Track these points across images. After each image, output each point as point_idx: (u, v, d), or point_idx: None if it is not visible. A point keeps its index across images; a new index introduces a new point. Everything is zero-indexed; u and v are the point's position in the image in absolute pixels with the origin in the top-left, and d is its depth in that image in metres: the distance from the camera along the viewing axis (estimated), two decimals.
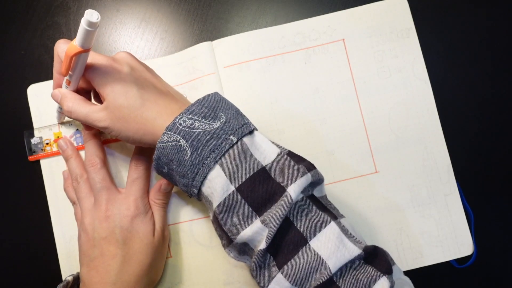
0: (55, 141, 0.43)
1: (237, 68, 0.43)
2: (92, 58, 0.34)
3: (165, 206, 0.40)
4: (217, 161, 0.31)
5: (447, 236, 0.41)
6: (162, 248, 0.39)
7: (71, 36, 0.45)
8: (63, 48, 0.34)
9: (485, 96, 0.44)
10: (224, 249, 0.34)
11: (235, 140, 0.31)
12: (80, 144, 0.42)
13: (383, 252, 0.32)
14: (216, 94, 0.34)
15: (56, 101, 0.37)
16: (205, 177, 0.31)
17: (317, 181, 0.33)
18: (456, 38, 0.44)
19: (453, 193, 0.41)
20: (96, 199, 0.38)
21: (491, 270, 0.43)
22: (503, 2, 0.44)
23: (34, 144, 0.43)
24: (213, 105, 0.33)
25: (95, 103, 0.38)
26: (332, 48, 0.43)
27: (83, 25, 0.30)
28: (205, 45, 0.43)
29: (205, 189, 0.32)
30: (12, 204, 0.44)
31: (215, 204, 0.32)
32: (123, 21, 0.45)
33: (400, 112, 0.42)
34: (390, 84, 0.42)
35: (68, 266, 0.42)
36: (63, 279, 0.39)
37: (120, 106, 0.33)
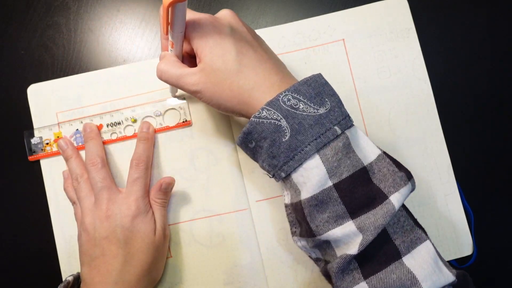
0: (55, 141, 0.43)
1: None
2: (193, 15, 0.32)
3: (166, 205, 0.40)
4: (318, 151, 0.29)
5: (447, 236, 0.41)
6: (163, 247, 0.39)
7: (71, 36, 0.45)
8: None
9: (485, 96, 0.44)
10: (292, 236, 0.33)
11: (339, 131, 0.29)
12: (80, 144, 0.42)
13: (471, 281, 0.31)
14: (321, 76, 0.31)
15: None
16: (300, 164, 0.29)
17: (412, 191, 0.31)
18: (456, 38, 0.44)
19: (453, 193, 0.41)
20: (96, 198, 0.38)
21: (491, 270, 0.43)
22: (503, 2, 0.44)
23: (34, 144, 0.43)
24: (319, 88, 0.30)
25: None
26: (332, 48, 0.43)
27: None
28: None
29: (296, 177, 0.30)
30: (12, 204, 0.44)
31: (306, 195, 0.30)
32: (123, 21, 0.45)
33: (400, 112, 0.42)
34: (390, 84, 0.42)
35: (68, 266, 0.42)
36: (63, 279, 0.39)
37: (217, 70, 0.31)
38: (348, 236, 0.29)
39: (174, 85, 0.34)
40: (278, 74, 0.32)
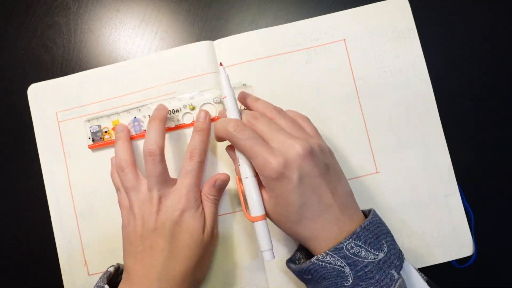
0: (113, 129, 0.42)
1: (238, 68, 0.43)
2: (264, 158, 0.32)
3: (217, 202, 0.39)
4: None
5: (448, 236, 0.41)
6: (210, 247, 0.38)
7: (71, 36, 0.45)
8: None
9: (486, 96, 0.44)
10: None
11: (395, 275, 0.31)
12: (138, 132, 0.42)
13: None
14: (376, 215, 0.33)
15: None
16: None
17: None
18: (457, 38, 0.44)
19: (453, 193, 0.41)
20: (149, 189, 0.37)
21: (491, 270, 0.43)
22: (504, 2, 0.44)
23: (93, 132, 0.42)
24: (377, 231, 0.32)
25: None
26: (333, 48, 0.43)
27: None
28: (206, 44, 0.43)
29: None
30: (12, 204, 0.44)
31: None
32: (123, 21, 0.45)
33: (401, 112, 0.42)
34: (391, 84, 0.42)
35: (68, 266, 0.42)
36: (64, 279, 0.39)
37: (279, 214, 0.33)
38: None
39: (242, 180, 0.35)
40: (337, 223, 0.32)
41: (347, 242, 0.31)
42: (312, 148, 0.32)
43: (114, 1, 0.45)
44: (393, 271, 0.31)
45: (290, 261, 0.36)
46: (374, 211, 0.34)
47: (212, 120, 0.41)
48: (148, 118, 0.41)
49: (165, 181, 0.37)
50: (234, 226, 0.41)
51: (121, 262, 0.38)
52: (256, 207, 0.33)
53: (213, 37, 0.44)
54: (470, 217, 0.41)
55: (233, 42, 0.43)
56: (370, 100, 0.42)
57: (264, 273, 0.41)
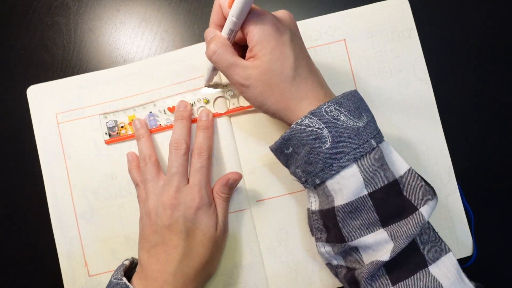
0: (130, 124, 0.42)
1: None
2: (257, 11, 0.32)
3: (229, 200, 0.40)
4: (356, 161, 0.30)
5: (448, 236, 0.41)
6: (222, 243, 0.39)
7: (71, 36, 0.45)
8: None
9: (486, 97, 0.44)
10: (316, 241, 0.35)
11: (375, 144, 0.31)
12: (154, 127, 0.42)
13: None
14: (357, 92, 0.33)
15: (206, 40, 0.35)
16: (337, 172, 0.31)
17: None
18: (457, 38, 0.44)
19: (453, 193, 0.42)
20: (166, 183, 0.37)
21: (491, 270, 0.43)
22: (504, 3, 0.44)
23: (110, 127, 0.42)
24: (358, 103, 0.32)
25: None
26: (333, 48, 0.43)
27: None
28: (205, 45, 0.43)
29: (332, 184, 0.31)
30: (12, 204, 0.44)
31: (340, 201, 0.31)
32: (123, 21, 0.45)
33: (401, 112, 0.42)
34: (391, 84, 0.42)
35: (69, 267, 0.42)
36: (64, 279, 0.39)
37: (272, 72, 0.32)
38: (379, 243, 0.30)
39: (222, 71, 0.34)
40: (323, 88, 0.33)
41: (326, 105, 0.31)
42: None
43: (114, 1, 0.45)
44: (372, 140, 0.31)
45: (276, 150, 0.34)
46: (357, 90, 0.33)
47: (214, 116, 0.42)
48: (163, 113, 0.42)
49: (183, 175, 0.38)
50: (234, 227, 0.41)
51: (121, 262, 0.38)
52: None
53: None
54: (470, 217, 0.41)
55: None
56: (370, 100, 0.42)
57: (264, 273, 0.41)
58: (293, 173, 0.34)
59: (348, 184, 0.31)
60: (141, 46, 0.45)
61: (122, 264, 0.37)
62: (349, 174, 0.31)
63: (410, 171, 0.32)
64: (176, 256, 0.35)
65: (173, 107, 0.42)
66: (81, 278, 0.42)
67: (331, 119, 0.31)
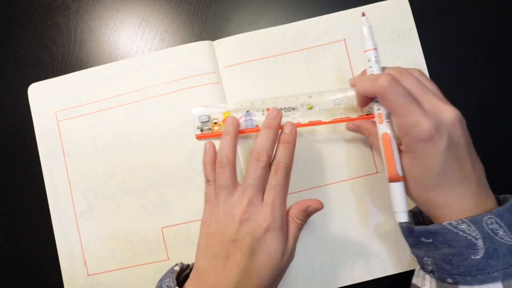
0: (224, 121, 0.40)
1: (238, 68, 0.43)
2: (417, 116, 0.30)
3: (302, 227, 0.37)
4: (502, 279, 0.29)
5: None
6: (284, 271, 0.36)
7: (71, 36, 0.45)
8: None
9: (486, 97, 0.43)
10: None
11: None
12: (249, 127, 0.40)
13: None
14: None
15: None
16: (479, 284, 0.29)
17: None
18: (457, 38, 0.44)
19: None
20: (240, 193, 0.36)
21: None
22: (504, 3, 0.44)
23: (203, 122, 0.41)
24: None
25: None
26: (333, 48, 0.43)
27: None
28: (205, 44, 0.43)
29: None
30: (12, 204, 0.44)
31: None
32: (123, 21, 0.45)
33: None
34: None
35: (69, 266, 0.42)
36: (64, 278, 0.39)
37: (414, 177, 0.31)
38: None
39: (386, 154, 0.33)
40: (474, 198, 0.31)
41: (488, 216, 0.29)
42: (462, 116, 0.31)
43: (114, 1, 0.45)
44: None
45: (409, 231, 0.33)
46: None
47: (297, 126, 0.39)
48: (261, 113, 0.40)
49: (259, 189, 0.35)
50: None
51: (121, 263, 0.38)
52: (398, 167, 0.32)
53: (213, 37, 0.44)
54: None
55: (233, 42, 0.43)
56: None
57: None
58: (417, 257, 0.33)
59: None
60: (141, 46, 0.45)
61: (173, 270, 0.35)
62: None
63: None
64: (236, 274, 0.33)
65: (267, 109, 0.39)
66: (80, 277, 0.42)
67: (490, 232, 0.29)
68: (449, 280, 0.31)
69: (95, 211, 0.42)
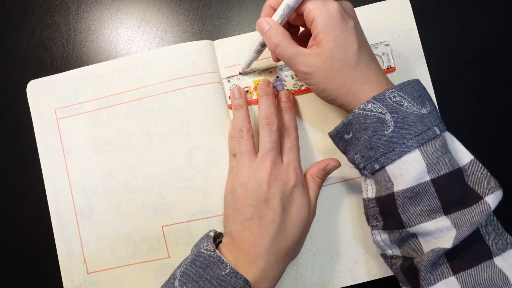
0: (255, 88, 0.42)
1: (238, 68, 0.42)
2: None
3: (321, 185, 0.40)
4: (419, 146, 0.31)
5: None
6: (309, 226, 0.39)
7: (70, 36, 0.45)
8: None
9: (486, 96, 0.43)
10: (372, 229, 0.35)
11: (438, 132, 0.31)
12: (281, 90, 0.42)
13: None
14: (420, 81, 0.33)
15: (260, 32, 0.36)
16: (399, 157, 0.31)
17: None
18: (458, 38, 0.44)
19: None
20: (261, 158, 0.37)
21: None
22: (504, 3, 0.44)
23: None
24: (421, 91, 0.32)
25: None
26: None
27: None
28: (206, 43, 0.43)
29: (392, 169, 0.32)
30: (12, 202, 0.44)
31: (401, 187, 0.31)
32: (123, 21, 0.45)
33: None
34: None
35: (68, 264, 0.42)
36: (64, 278, 0.39)
37: (336, 58, 0.32)
38: (441, 230, 0.30)
39: (285, 61, 0.35)
40: (383, 75, 0.34)
41: (390, 91, 0.31)
42: None
43: (114, 1, 0.45)
44: (435, 128, 0.31)
45: (335, 135, 0.35)
46: (419, 80, 0.34)
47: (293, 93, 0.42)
48: (290, 78, 0.42)
49: (278, 152, 0.38)
50: None
51: (121, 261, 0.38)
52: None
53: (213, 37, 0.44)
54: None
55: (233, 42, 0.43)
56: None
57: None
58: (351, 160, 0.34)
59: (409, 169, 0.31)
60: (140, 46, 0.45)
61: (208, 235, 0.36)
62: (411, 159, 0.31)
63: (474, 161, 0.32)
64: (271, 231, 0.35)
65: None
66: (79, 275, 0.42)
67: (394, 105, 0.31)
68: (377, 166, 0.32)
69: (95, 209, 0.42)
